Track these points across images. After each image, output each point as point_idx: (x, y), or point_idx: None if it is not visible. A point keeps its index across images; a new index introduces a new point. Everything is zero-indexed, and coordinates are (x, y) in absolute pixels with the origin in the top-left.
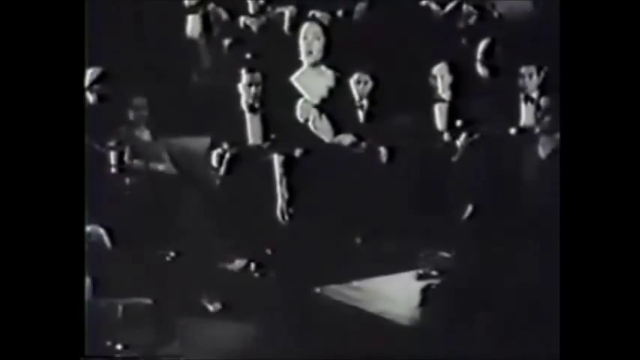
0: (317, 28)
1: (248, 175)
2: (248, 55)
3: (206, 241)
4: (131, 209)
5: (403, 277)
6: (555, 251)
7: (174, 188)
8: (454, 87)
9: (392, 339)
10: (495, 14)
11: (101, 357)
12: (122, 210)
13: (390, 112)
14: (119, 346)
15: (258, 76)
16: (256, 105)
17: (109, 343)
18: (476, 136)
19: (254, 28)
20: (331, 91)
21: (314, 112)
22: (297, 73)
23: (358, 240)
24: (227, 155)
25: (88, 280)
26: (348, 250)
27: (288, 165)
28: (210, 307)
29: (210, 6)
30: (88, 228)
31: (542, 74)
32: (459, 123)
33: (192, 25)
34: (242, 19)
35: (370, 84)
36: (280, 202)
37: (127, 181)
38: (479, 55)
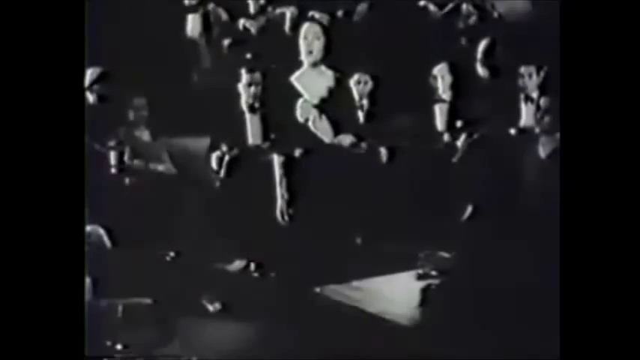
0: (317, 28)
1: (248, 175)
2: (248, 55)
3: (206, 241)
4: (131, 209)
5: (403, 277)
6: (555, 251)
7: (174, 188)
8: (454, 87)
9: (392, 339)
10: (495, 14)
11: (101, 357)
12: (122, 210)
13: (390, 112)
14: (119, 346)
15: (258, 76)
16: (256, 105)
17: (108, 343)
18: (476, 136)
19: (254, 28)
20: (331, 92)
21: (314, 113)
22: (297, 73)
23: (358, 240)
24: (227, 156)
25: (88, 280)
26: (348, 250)
27: (288, 165)
28: (210, 307)
29: (210, 6)
30: (88, 228)
31: (542, 74)
32: (459, 123)
33: (192, 25)
34: (242, 20)
35: (370, 84)
36: (280, 203)
37: (127, 181)
38: (479, 56)
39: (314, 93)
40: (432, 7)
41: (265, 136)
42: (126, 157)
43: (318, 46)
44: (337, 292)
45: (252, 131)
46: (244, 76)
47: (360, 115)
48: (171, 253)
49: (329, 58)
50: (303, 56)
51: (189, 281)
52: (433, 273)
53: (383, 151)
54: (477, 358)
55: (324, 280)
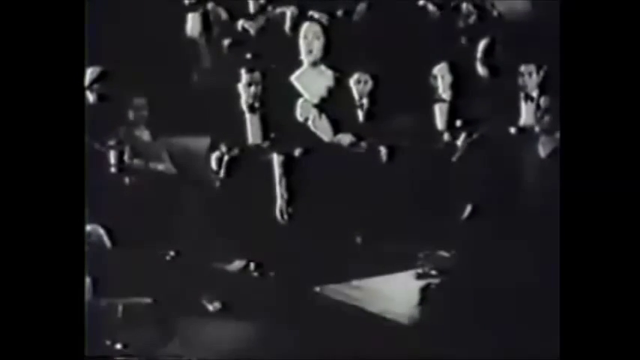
0: (317, 28)
1: (248, 174)
2: (248, 55)
3: (206, 241)
4: (131, 209)
5: (403, 276)
6: (555, 251)
7: (173, 188)
8: (454, 87)
9: (392, 338)
10: (495, 13)
11: (101, 357)
12: (122, 210)
13: (389, 111)
14: (119, 346)
15: (257, 75)
16: (256, 105)
17: (108, 343)
18: (476, 135)
19: (254, 28)
20: (331, 91)
21: (314, 112)
22: (296, 73)
23: (358, 239)
24: (226, 155)
25: (88, 280)
26: (347, 249)
27: (288, 165)
28: (210, 307)
29: (210, 5)
30: (88, 228)
31: (542, 73)
32: (459, 123)
33: (192, 24)
34: (242, 20)
35: (370, 83)
36: (280, 202)
37: (127, 180)
38: (479, 55)
39: (314, 92)
40: (431, 7)
41: (265, 136)
42: (126, 157)
43: (317, 45)
44: (337, 291)
45: (252, 131)
46: (244, 75)
47: (360, 114)
48: (171, 253)
49: (329, 57)
50: (302, 56)
51: (189, 281)
52: (433, 272)
53: (383, 150)
54: (476, 358)
55: (324, 280)
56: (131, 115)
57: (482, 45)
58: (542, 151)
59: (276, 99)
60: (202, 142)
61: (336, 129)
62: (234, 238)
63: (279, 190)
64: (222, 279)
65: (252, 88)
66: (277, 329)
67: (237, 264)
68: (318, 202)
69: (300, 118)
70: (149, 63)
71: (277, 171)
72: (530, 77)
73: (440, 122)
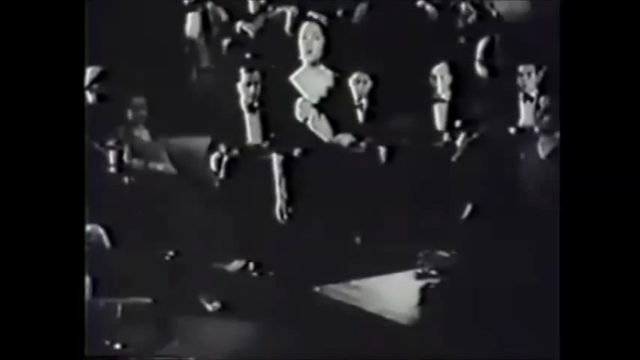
0: (316, 28)
1: (247, 174)
2: (247, 55)
3: (205, 241)
4: (131, 209)
5: (402, 276)
6: (555, 251)
7: (173, 188)
8: (453, 87)
9: (391, 338)
10: (494, 13)
11: (101, 357)
12: (122, 210)
13: (389, 111)
14: (118, 346)
15: (257, 75)
16: (255, 104)
17: (108, 343)
18: (475, 135)
19: (253, 29)
20: (330, 91)
21: (313, 112)
22: (296, 73)
23: (357, 239)
24: (226, 155)
25: (87, 280)
26: (347, 249)
27: (288, 164)
28: (210, 307)
29: (209, 5)
30: (88, 228)
31: (542, 73)
32: (458, 123)
33: (192, 24)
34: (241, 22)
35: (369, 83)
36: (279, 202)
37: (127, 180)
38: (478, 55)
39: (313, 92)
40: (429, 7)
41: (264, 136)
42: (125, 157)
43: (317, 45)
44: (336, 291)
45: (252, 131)
46: (243, 75)
47: (360, 114)
48: (171, 253)
49: (328, 57)
50: (302, 56)
51: (189, 281)
52: (432, 272)
53: (382, 150)
54: (476, 358)
55: (324, 280)
56: (130, 114)
57: (481, 45)
58: (542, 151)
59: (276, 99)
60: (202, 142)
61: (336, 129)
62: (234, 238)
63: (279, 190)
64: (221, 279)
65: (252, 88)
66: (277, 329)
67: (237, 264)
68: (317, 202)
69: (299, 118)
70: (148, 63)
71: (277, 171)
72: (529, 77)
73: (439, 122)
